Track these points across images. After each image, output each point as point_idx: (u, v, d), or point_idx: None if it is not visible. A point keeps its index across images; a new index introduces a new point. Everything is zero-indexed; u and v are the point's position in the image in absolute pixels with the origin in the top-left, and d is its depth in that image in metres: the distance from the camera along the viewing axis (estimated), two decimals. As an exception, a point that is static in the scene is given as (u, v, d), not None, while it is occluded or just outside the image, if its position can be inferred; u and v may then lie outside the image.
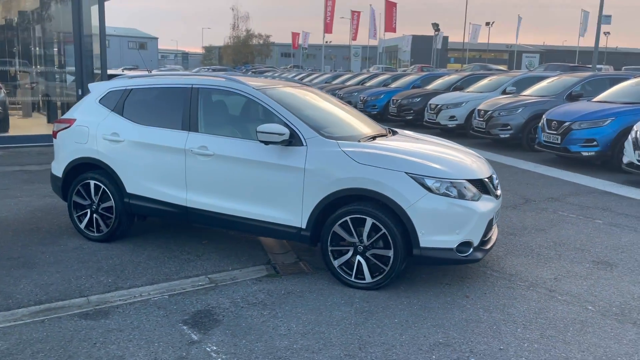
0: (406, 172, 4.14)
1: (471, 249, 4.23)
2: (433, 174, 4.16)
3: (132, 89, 5.30)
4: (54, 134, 5.62)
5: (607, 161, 9.40)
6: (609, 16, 23.90)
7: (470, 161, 4.67)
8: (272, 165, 4.49)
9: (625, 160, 8.33)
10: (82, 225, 5.43)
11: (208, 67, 57.23)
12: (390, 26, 41.15)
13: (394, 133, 5.23)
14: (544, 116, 10.41)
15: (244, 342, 3.48)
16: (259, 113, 4.85)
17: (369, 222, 4.21)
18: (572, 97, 11.61)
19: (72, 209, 5.45)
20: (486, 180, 4.48)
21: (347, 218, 4.28)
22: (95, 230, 5.37)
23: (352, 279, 4.34)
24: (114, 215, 5.24)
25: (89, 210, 5.38)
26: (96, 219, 5.35)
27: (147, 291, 4.30)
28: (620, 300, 4.16)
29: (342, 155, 4.31)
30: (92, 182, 5.30)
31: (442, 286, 4.40)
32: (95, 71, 11.78)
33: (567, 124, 9.66)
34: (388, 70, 34.24)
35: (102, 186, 5.25)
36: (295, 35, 63.03)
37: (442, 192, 4.13)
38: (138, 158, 5.05)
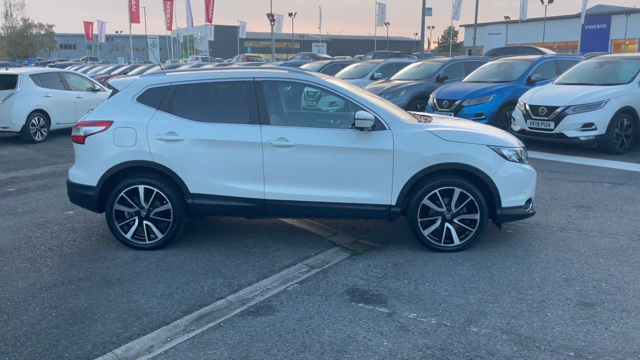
0: (487, 145, 4.86)
1: (531, 205, 5.14)
2: (506, 145, 4.95)
3: (178, 85, 5.04)
4: (80, 139, 5.04)
5: (491, 131, 11.23)
6: (430, 8, 27.26)
7: (508, 133, 5.56)
8: (359, 150, 4.81)
9: (516, 128, 10.13)
10: (129, 235, 5.04)
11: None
12: (208, 16, 40.72)
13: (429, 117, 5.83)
14: (432, 96, 11.93)
15: (429, 306, 3.88)
16: (333, 102, 5.08)
17: (457, 191, 4.83)
18: (440, 79, 13.43)
19: (114, 220, 5.01)
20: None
21: (436, 191, 4.84)
22: (146, 237, 5.04)
23: (441, 244, 4.92)
24: (171, 219, 4.98)
25: (136, 218, 5.01)
26: (147, 225, 5.02)
27: (271, 284, 4.34)
28: (627, 229, 5.46)
29: (429, 135, 4.83)
30: (141, 187, 4.94)
31: (505, 240, 5.23)
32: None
33: (458, 102, 11.27)
34: (211, 61, 33.98)
35: (155, 190, 4.94)
36: (88, 24, 58.01)
37: (513, 159, 4.94)
38: (203, 156, 4.88)
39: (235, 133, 4.88)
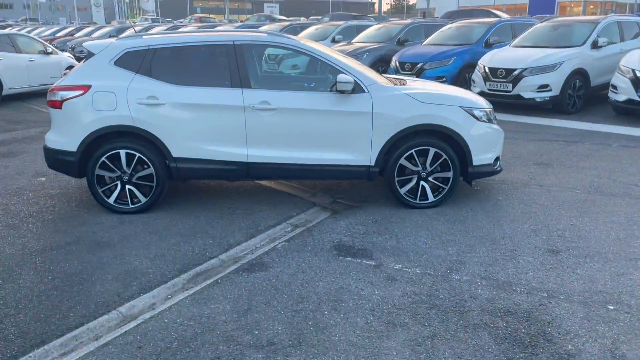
0: (460, 106, 5.10)
1: (498, 162, 5.46)
2: (476, 106, 5.22)
3: (156, 49, 5.02)
4: (57, 104, 4.98)
5: (451, 93, 11.58)
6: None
7: (478, 95, 5.82)
8: (339, 113, 4.96)
9: (476, 90, 10.45)
10: (112, 200, 5.08)
11: None
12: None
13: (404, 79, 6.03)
14: (395, 59, 12.11)
15: (411, 257, 4.16)
16: (312, 65, 5.18)
17: (432, 151, 5.08)
18: (401, 42, 13.62)
19: (96, 185, 5.03)
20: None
21: (413, 151, 5.08)
22: (129, 202, 5.09)
23: (417, 201, 5.20)
24: (155, 183, 5.05)
25: (119, 183, 5.05)
26: (130, 190, 5.07)
27: (259, 243, 4.52)
28: (584, 183, 5.88)
29: (406, 97, 5.03)
30: (122, 152, 4.97)
31: (475, 196, 5.56)
32: None
33: (420, 64, 11.50)
34: (162, 22, 32.93)
35: (137, 154, 4.97)
36: (25, -17, 54.64)
37: (483, 119, 5.21)
38: (185, 120, 4.93)
39: (217, 96, 4.93)
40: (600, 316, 3.31)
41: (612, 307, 3.40)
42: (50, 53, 13.26)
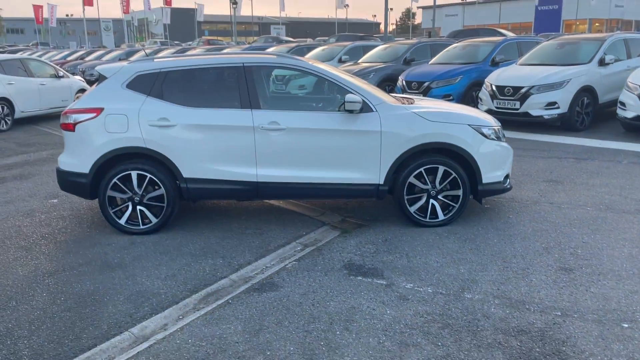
0: (469, 125, 5.12)
1: (508, 180, 5.46)
2: (485, 124, 5.23)
3: (167, 72, 5.09)
4: (70, 127, 5.05)
5: (459, 112, 11.61)
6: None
7: (486, 113, 5.84)
8: (348, 132, 5.00)
9: (483, 108, 10.49)
10: (123, 221, 5.11)
11: None
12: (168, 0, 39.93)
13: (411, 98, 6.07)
14: (401, 78, 12.19)
15: (423, 276, 4.14)
16: (320, 85, 5.24)
17: (441, 169, 5.09)
18: (407, 62, 13.71)
19: (108, 206, 5.07)
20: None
21: (422, 169, 5.09)
22: (140, 222, 5.12)
23: (427, 219, 5.19)
24: (165, 204, 5.08)
25: (130, 204, 5.08)
26: (141, 211, 5.10)
27: (269, 262, 4.52)
28: (594, 201, 5.85)
29: (415, 116, 5.06)
30: (134, 173, 5.01)
31: (485, 214, 5.54)
32: None
33: (426, 83, 11.57)
34: (171, 45, 33.39)
35: (149, 175, 5.02)
36: (37, 8, 55.79)
37: (491, 137, 5.22)
38: (195, 141, 4.98)
39: (227, 118, 4.99)
40: (615, 334, 3.27)
41: (626, 325, 3.36)
42: (62, 77, 13.46)
